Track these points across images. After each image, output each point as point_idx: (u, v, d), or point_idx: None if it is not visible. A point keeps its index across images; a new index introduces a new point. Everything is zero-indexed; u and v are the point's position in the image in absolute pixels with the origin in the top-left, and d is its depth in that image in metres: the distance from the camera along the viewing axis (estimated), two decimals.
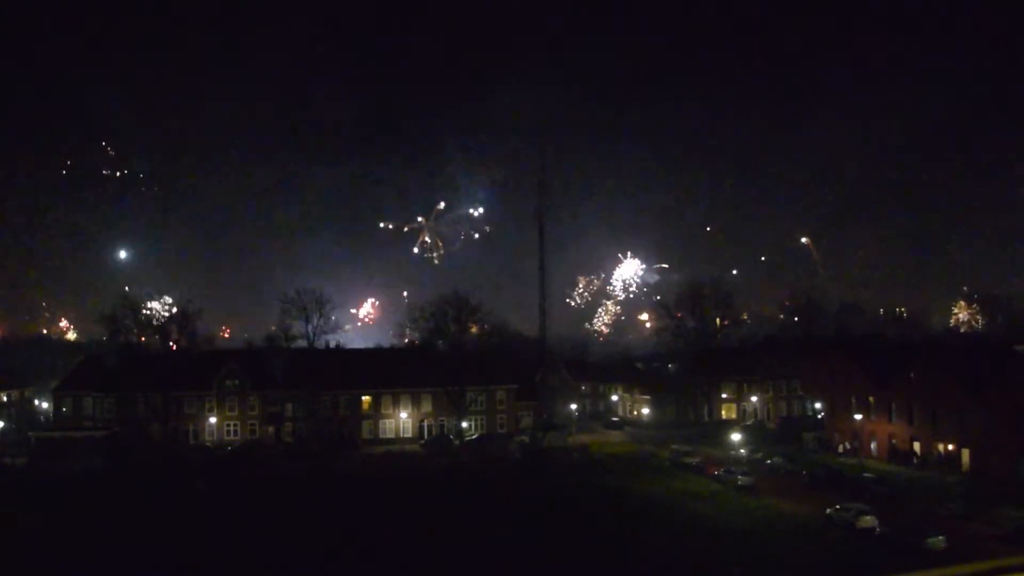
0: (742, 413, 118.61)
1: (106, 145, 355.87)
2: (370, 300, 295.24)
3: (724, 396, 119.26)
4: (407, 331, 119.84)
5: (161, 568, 50.15)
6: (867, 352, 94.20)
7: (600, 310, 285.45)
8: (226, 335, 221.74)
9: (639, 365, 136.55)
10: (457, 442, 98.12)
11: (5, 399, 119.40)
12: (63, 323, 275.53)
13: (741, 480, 70.63)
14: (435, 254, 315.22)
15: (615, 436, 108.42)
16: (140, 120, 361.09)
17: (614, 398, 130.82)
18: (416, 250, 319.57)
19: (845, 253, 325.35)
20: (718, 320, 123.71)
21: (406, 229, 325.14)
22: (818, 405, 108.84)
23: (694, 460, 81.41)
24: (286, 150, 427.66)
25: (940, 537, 50.06)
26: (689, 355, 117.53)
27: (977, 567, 38.00)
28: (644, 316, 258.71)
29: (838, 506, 58.23)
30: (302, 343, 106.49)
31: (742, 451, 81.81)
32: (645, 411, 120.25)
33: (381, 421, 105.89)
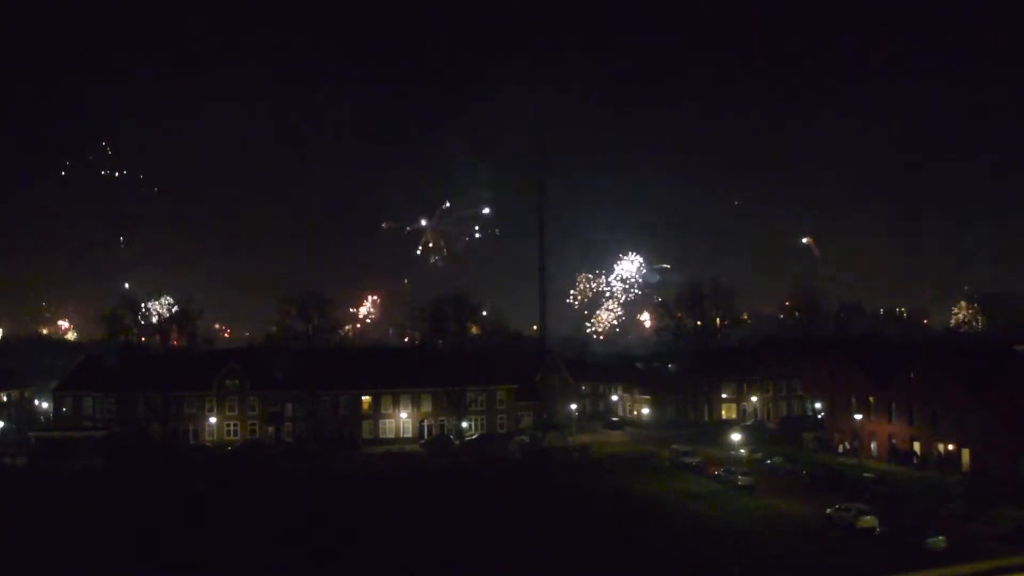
0: (742, 413, 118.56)
1: (106, 145, 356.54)
2: (370, 298, 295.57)
3: (724, 396, 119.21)
4: (407, 331, 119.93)
5: (161, 568, 50.17)
6: (867, 352, 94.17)
7: (600, 310, 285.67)
8: (226, 335, 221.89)
9: (639, 365, 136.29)
10: (457, 442, 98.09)
11: (5, 399, 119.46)
12: (63, 323, 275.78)
13: (741, 480, 70.58)
14: (440, 255, 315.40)
15: (615, 436, 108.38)
16: (140, 120, 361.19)
17: (614, 398, 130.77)
18: (419, 251, 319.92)
19: (845, 253, 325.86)
20: (718, 320, 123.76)
21: (408, 230, 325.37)
22: (818, 405, 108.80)
23: (694, 460, 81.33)
24: (287, 150, 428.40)
25: (940, 537, 50.03)
26: (689, 355, 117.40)
27: (977, 567, 38.09)
28: (644, 316, 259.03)
29: (838, 506, 58.18)
30: (302, 343, 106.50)
31: (742, 451, 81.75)
32: (645, 411, 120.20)
33: (381, 421, 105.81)
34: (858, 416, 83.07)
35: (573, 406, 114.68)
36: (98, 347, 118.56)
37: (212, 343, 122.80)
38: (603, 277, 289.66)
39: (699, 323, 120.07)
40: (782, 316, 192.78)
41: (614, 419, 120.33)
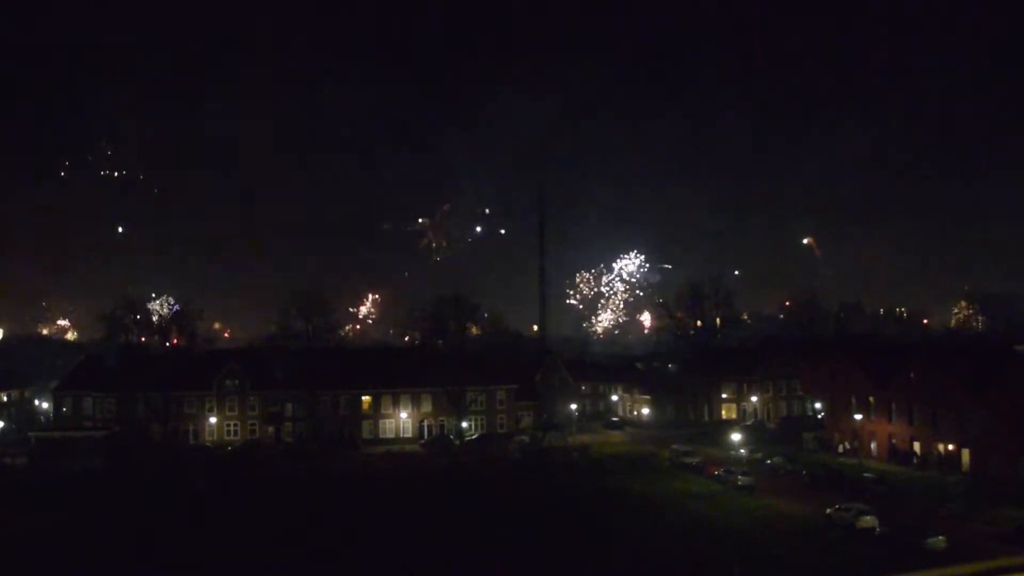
0: (742, 413, 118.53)
1: (106, 145, 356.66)
2: (370, 298, 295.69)
3: (724, 396, 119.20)
4: (407, 331, 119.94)
5: (161, 568, 50.17)
6: (867, 352, 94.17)
7: (600, 310, 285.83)
8: (226, 335, 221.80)
9: (639, 365, 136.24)
10: (457, 442, 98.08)
11: (5, 399, 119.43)
12: (63, 323, 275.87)
13: (741, 480, 70.56)
14: (440, 255, 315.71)
15: (615, 436, 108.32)
16: (140, 120, 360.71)
17: (614, 398, 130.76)
18: (420, 251, 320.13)
19: (845, 253, 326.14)
20: (718, 320, 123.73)
21: (409, 230, 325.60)
22: (818, 405, 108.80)
23: (694, 460, 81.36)
24: (287, 150, 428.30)
25: (940, 537, 50.03)
26: (689, 355, 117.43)
27: (977, 567, 38.03)
28: (644, 316, 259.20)
29: (838, 506, 58.17)
30: (302, 343, 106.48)
31: (742, 451, 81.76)
32: (645, 411, 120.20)
33: (381, 421, 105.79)
34: (858, 416, 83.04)
35: (573, 406, 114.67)
36: (98, 347, 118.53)
37: (212, 343, 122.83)
38: (603, 276, 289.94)
39: (699, 323, 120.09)
40: (782, 316, 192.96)
41: (614, 419, 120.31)
